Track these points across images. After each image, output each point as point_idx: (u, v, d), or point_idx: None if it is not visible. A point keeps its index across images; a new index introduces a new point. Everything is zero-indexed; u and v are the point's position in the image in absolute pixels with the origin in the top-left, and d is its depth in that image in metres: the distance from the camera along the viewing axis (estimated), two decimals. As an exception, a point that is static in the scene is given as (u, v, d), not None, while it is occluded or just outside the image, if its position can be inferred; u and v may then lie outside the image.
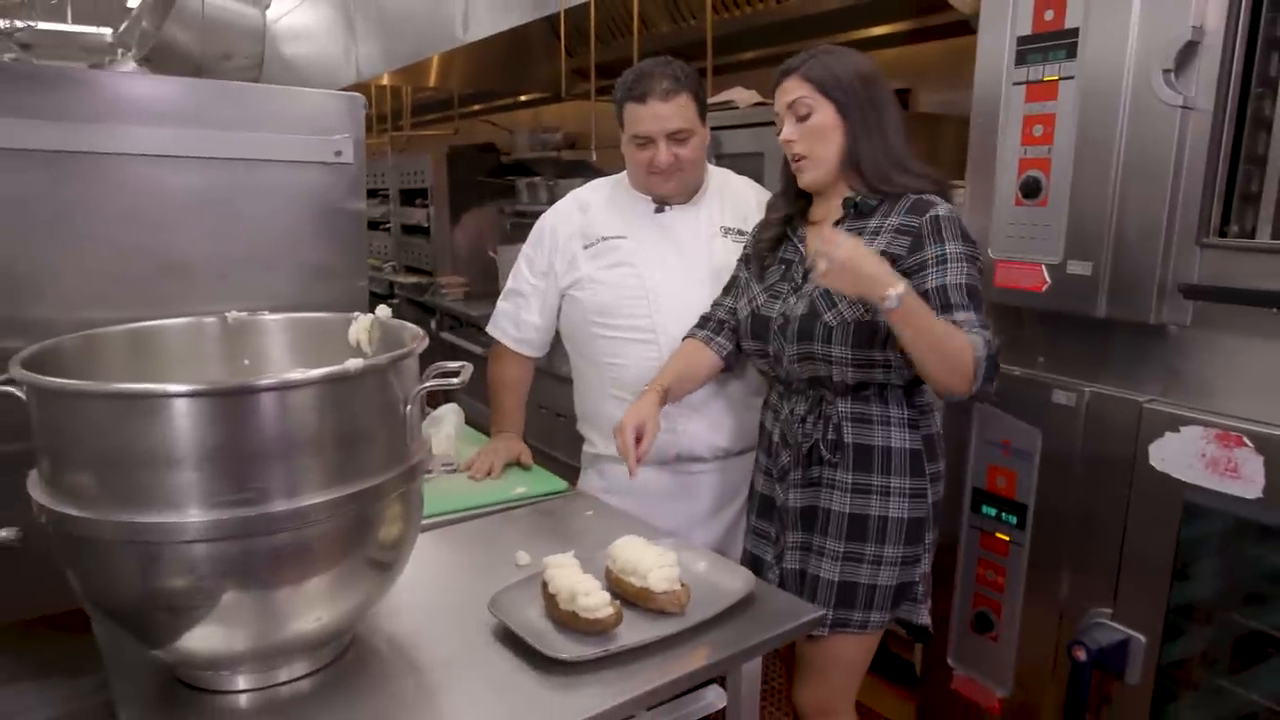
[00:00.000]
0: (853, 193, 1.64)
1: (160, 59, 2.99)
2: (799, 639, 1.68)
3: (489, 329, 2.11)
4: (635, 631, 1.26)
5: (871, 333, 1.55)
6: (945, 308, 1.49)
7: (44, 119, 1.43)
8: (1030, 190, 1.72)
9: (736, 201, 1.98)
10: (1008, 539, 1.86)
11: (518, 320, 2.04)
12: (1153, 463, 1.59)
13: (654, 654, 1.23)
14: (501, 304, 2.09)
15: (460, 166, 5.11)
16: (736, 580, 1.42)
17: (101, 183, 1.50)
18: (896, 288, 1.36)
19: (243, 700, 1.14)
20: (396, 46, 4.50)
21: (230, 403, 0.99)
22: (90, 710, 1.24)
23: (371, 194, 5.79)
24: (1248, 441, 1.45)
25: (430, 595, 1.41)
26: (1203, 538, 1.59)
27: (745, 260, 1.83)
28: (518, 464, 2.00)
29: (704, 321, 1.84)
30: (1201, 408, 1.56)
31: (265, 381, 1.03)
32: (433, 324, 4.86)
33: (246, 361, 1.42)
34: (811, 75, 1.58)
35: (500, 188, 5.05)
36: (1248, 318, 1.50)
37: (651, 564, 1.33)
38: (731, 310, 1.80)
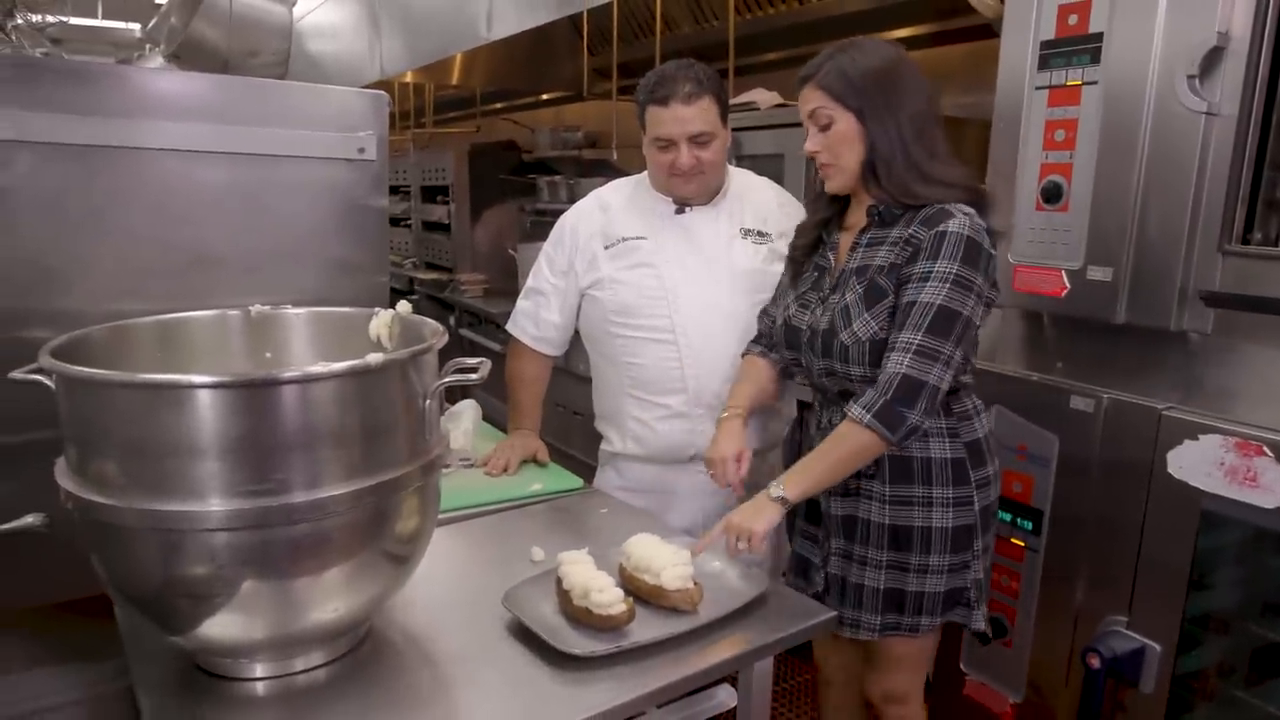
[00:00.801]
0: (875, 201, 1.59)
1: (188, 55, 3.03)
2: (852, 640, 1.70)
3: (509, 327, 2.12)
4: (648, 629, 1.27)
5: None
6: (896, 327, 1.48)
7: (75, 114, 1.46)
8: (1051, 195, 1.71)
9: (757, 203, 1.99)
10: (1023, 545, 1.86)
11: (537, 319, 2.06)
12: (1171, 470, 1.58)
13: (666, 651, 1.24)
14: (522, 302, 2.10)
15: (481, 164, 5.13)
16: (749, 580, 1.42)
17: (130, 177, 1.53)
18: (773, 492, 1.50)
19: (260, 688, 1.16)
20: (420, 44, 4.53)
21: (253, 394, 1.01)
22: (112, 695, 1.26)
23: (393, 190, 5.82)
24: (1268, 451, 1.44)
25: (445, 589, 1.43)
26: (1221, 547, 1.58)
27: (788, 264, 1.82)
28: (534, 461, 2.01)
29: (758, 337, 1.85)
30: (1221, 416, 1.55)
31: (288, 374, 1.05)
32: (452, 321, 4.89)
33: (269, 354, 1.44)
34: (827, 84, 1.53)
35: (521, 186, 5.07)
36: (1270, 326, 1.49)
37: (665, 562, 1.34)
38: (774, 320, 1.80)
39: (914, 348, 1.45)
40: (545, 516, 1.76)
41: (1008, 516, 1.87)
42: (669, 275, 1.90)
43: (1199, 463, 1.54)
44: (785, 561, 2.08)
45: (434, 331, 1.24)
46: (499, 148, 5.38)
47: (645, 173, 2.02)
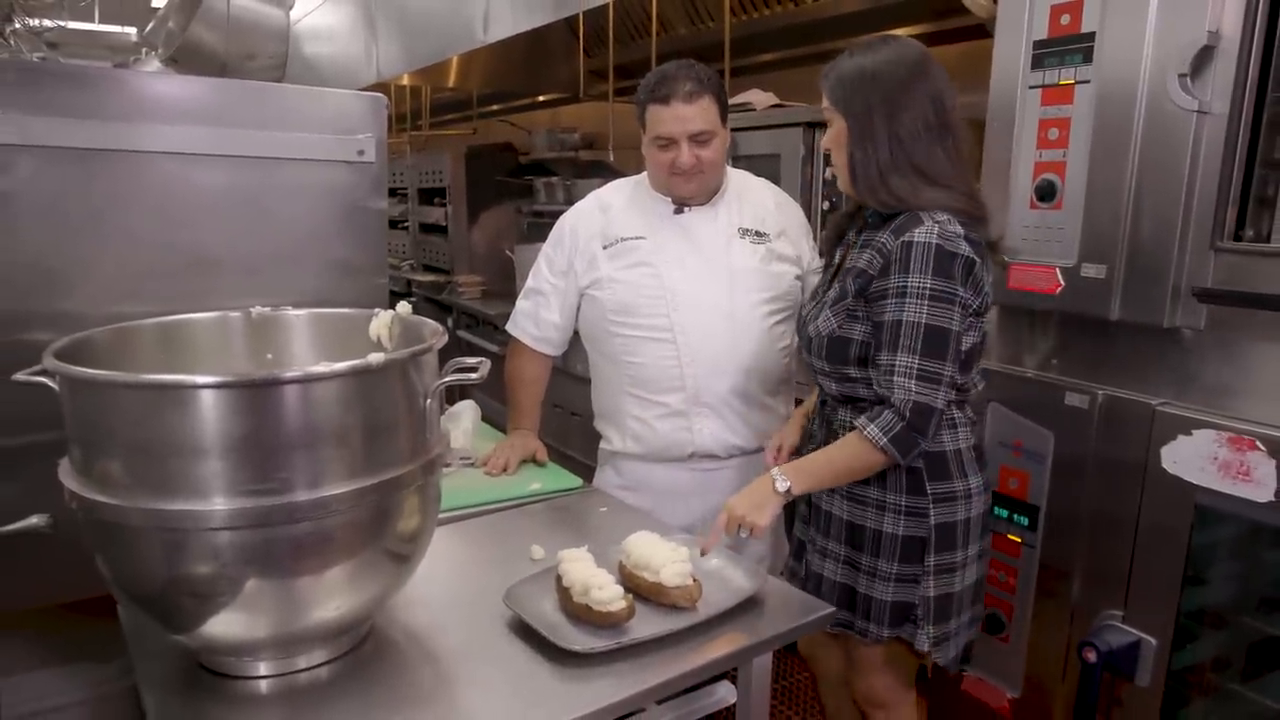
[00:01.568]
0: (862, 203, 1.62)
1: (185, 58, 3.03)
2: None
3: (508, 327, 2.13)
4: (647, 625, 1.28)
5: (845, 350, 1.56)
6: (883, 346, 1.49)
7: (75, 117, 1.47)
8: (1045, 194, 1.73)
9: (755, 203, 2.00)
10: (1019, 540, 1.87)
11: (537, 319, 2.07)
12: (1165, 465, 1.59)
13: (665, 647, 1.25)
14: (521, 302, 2.11)
15: (478, 166, 5.14)
16: (748, 577, 1.43)
17: (130, 180, 1.54)
18: (779, 483, 1.53)
19: (263, 686, 1.17)
20: (417, 47, 4.54)
21: (256, 394, 1.02)
22: (116, 695, 1.27)
23: (390, 193, 5.82)
24: (1260, 445, 1.45)
25: (446, 587, 1.44)
26: (1215, 541, 1.59)
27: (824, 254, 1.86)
28: (533, 461, 2.02)
29: None
30: (1214, 411, 1.56)
31: (290, 374, 1.06)
32: (450, 322, 4.90)
33: (270, 355, 1.45)
34: (827, 85, 1.58)
35: (518, 187, 5.08)
36: (1262, 322, 1.50)
37: (664, 559, 1.35)
38: None
39: (916, 372, 1.45)
40: (545, 515, 1.77)
41: (1004, 513, 1.89)
42: (668, 274, 1.91)
43: (1193, 458, 1.55)
44: (784, 560, 2.09)
45: (434, 331, 1.25)
46: (496, 150, 5.39)
47: (644, 173, 2.03)
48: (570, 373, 3.23)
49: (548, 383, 2.16)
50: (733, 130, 1.99)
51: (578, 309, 2.05)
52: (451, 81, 4.94)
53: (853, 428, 1.53)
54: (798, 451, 1.77)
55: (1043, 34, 1.72)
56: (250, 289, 1.62)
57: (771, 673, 1.41)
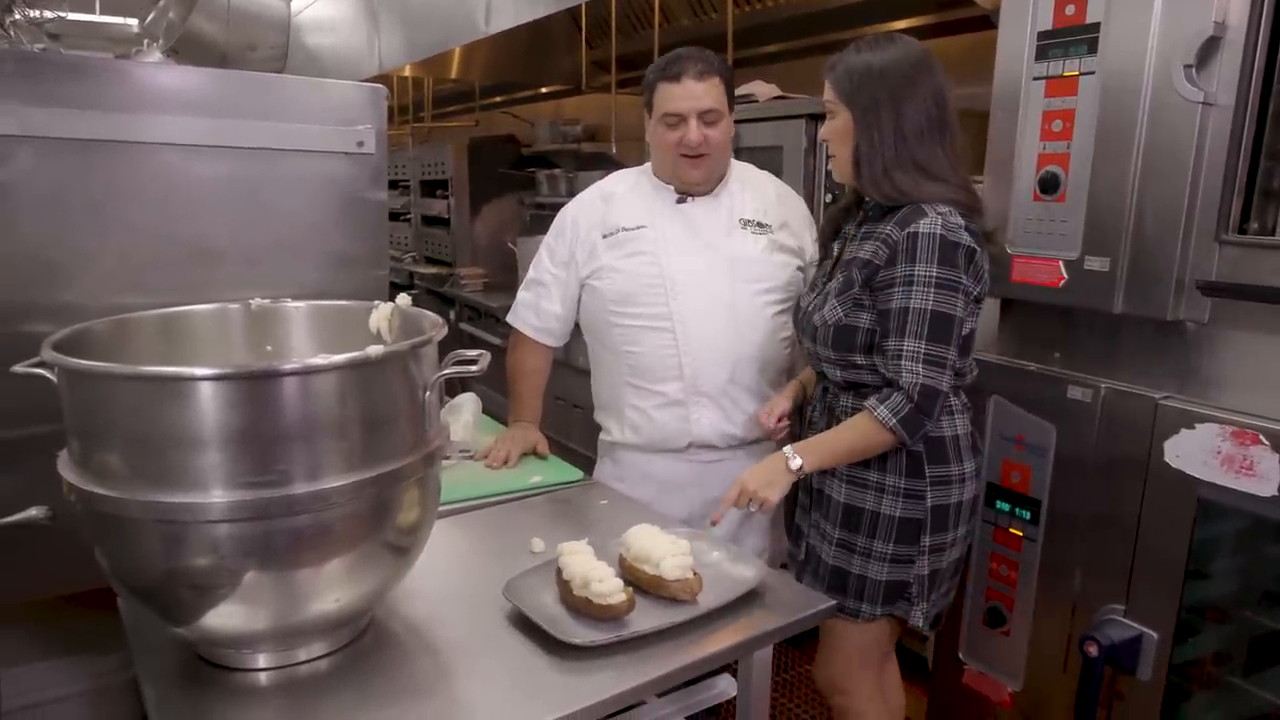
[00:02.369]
0: (864, 196, 1.65)
1: (186, 49, 3.02)
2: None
3: (509, 318, 2.13)
4: (647, 618, 1.27)
5: (851, 338, 1.60)
6: (890, 333, 1.54)
7: (75, 108, 1.46)
8: (1048, 186, 1.72)
9: (757, 195, 2.00)
10: (1021, 534, 1.86)
11: (538, 309, 2.06)
12: (1168, 459, 1.58)
13: (666, 640, 1.25)
14: (522, 293, 2.11)
15: (481, 158, 5.13)
16: (749, 570, 1.43)
17: (131, 171, 1.53)
18: (791, 461, 1.58)
19: (263, 678, 1.17)
20: (419, 38, 4.53)
21: (255, 386, 1.02)
22: (116, 687, 1.28)
23: (392, 185, 5.82)
24: (1264, 439, 1.45)
25: (446, 580, 1.44)
26: (1218, 535, 1.58)
27: (820, 249, 1.90)
28: (534, 453, 2.02)
29: None
30: (1218, 405, 1.55)
31: (289, 366, 1.06)
32: (452, 315, 4.89)
33: (269, 347, 1.45)
34: (833, 78, 1.60)
35: (520, 180, 5.07)
36: (1266, 315, 1.49)
37: (664, 552, 1.35)
38: None
39: (922, 356, 1.51)
40: (545, 508, 1.77)
41: (1006, 506, 1.88)
42: (668, 263, 1.91)
43: (1196, 452, 1.54)
44: (784, 553, 2.10)
45: (434, 324, 1.25)
46: (498, 141, 5.38)
47: (648, 164, 2.03)
48: (572, 365, 3.23)
49: (549, 375, 2.16)
50: (735, 122, 1.98)
51: (579, 300, 2.05)
52: (453, 73, 4.93)
53: (855, 413, 1.60)
54: (795, 437, 1.78)
55: (1047, 25, 1.70)
56: (250, 280, 1.62)
57: (772, 666, 1.41)
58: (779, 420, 1.81)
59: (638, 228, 1.95)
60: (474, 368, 1.18)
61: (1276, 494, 1.44)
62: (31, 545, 1.29)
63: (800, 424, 1.89)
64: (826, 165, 2.63)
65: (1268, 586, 1.59)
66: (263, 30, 3.10)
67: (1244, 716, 1.61)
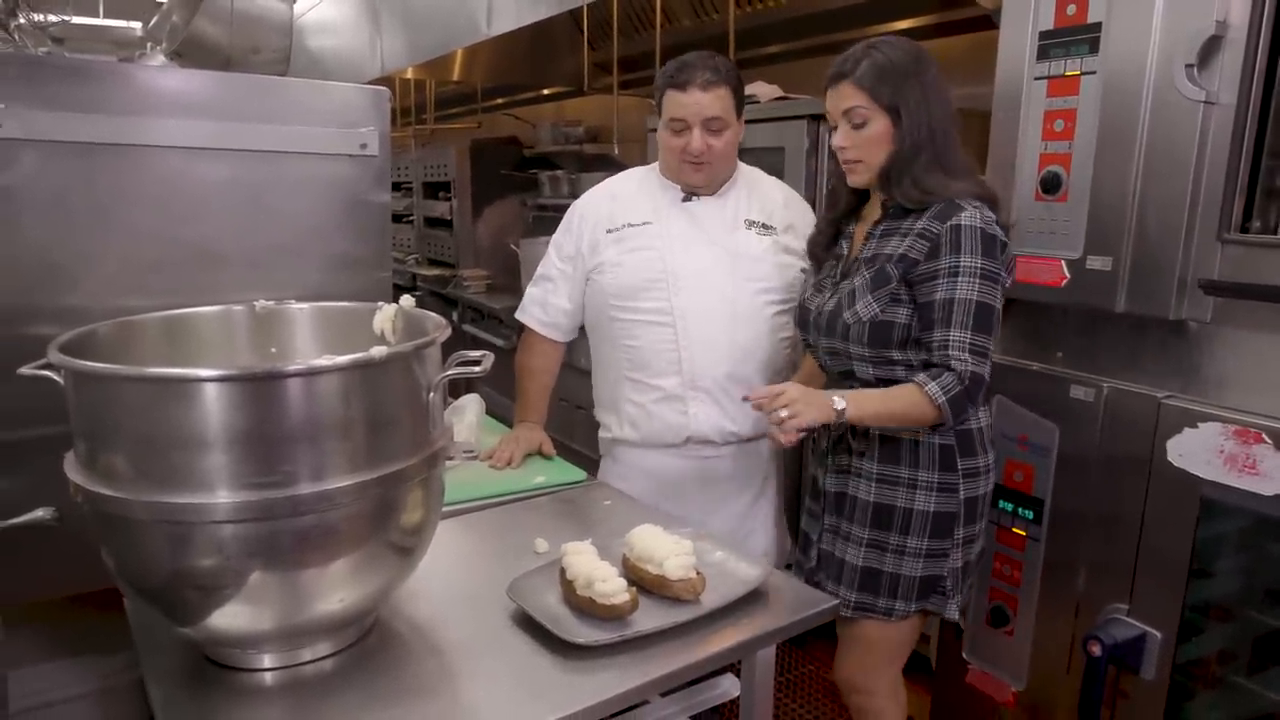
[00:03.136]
0: (891, 197, 1.63)
1: (189, 52, 3.03)
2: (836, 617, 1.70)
3: (518, 315, 2.15)
4: (651, 618, 1.28)
5: (888, 333, 1.58)
6: (935, 323, 1.53)
7: (79, 111, 1.47)
8: (1050, 185, 1.72)
9: (763, 197, 2.02)
10: (1024, 534, 1.87)
11: (546, 304, 2.08)
12: (1170, 458, 1.59)
13: (669, 640, 1.25)
14: (530, 290, 2.13)
15: (483, 160, 5.14)
16: (752, 569, 1.43)
17: (135, 174, 1.54)
18: (836, 401, 1.52)
19: (268, 678, 1.18)
20: (421, 40, 4.53)
21: (260, 387, 1.02)
22: (123, 687, 1.28)
23: (395, 187, 5.83)
24: (1266, 438, 1.45)
25: (450, 581, 1.44)
26: (1221, 534, 1.58)
27: (809, 258, 1.88)
28: (539, 454, 2.02)
29: None
30: (1220, 404, 1.55)
31: (294, 367, 1.07)
32: (455, 316, 4.90)
33: (274, 349, 1.45)
34: (864, 82, 1.56)
35: (523, 181, 5.07)
36: (1269, 314, 1.49)
37: (668, 552, 1.35)
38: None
39: (969, 346, 1.51)
40: (549, 508, 1.77)
41: (1009, 506, 1.88)
42: (671, 258, 1.93)
43: (1198, 450, 1.54)
44: (787, 555, 2.10)
45: (437, 325, 1.25)
46: (500, 143, 5.39)
47: (655, 163, 2.04)
48: (575, 366, 3.24)
49: (556, 375, 2.17)
50: (737, 122, 1.98)
51: (585, 295, 2.06)
52: (455, 75, 4.94)
53: None
54: (804, 445, 1.77)
55: (1049, 24, 1.71)
56: (254, 283, 1.62)
57: (775, 665, 1.41)
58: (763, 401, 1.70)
59: (643, 223, 1.97)
60: (477, 368, 1.18)
61: (1279, 493, 1.44)
62: (38, 546, 1.29)
63: (826, 436, 1.86)
64: (828, 166, 2.63)
65: (1271, 585, 1.59)
66: (266, 33, 3.11)
67: (1248, 715, 1.61)
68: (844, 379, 1.69)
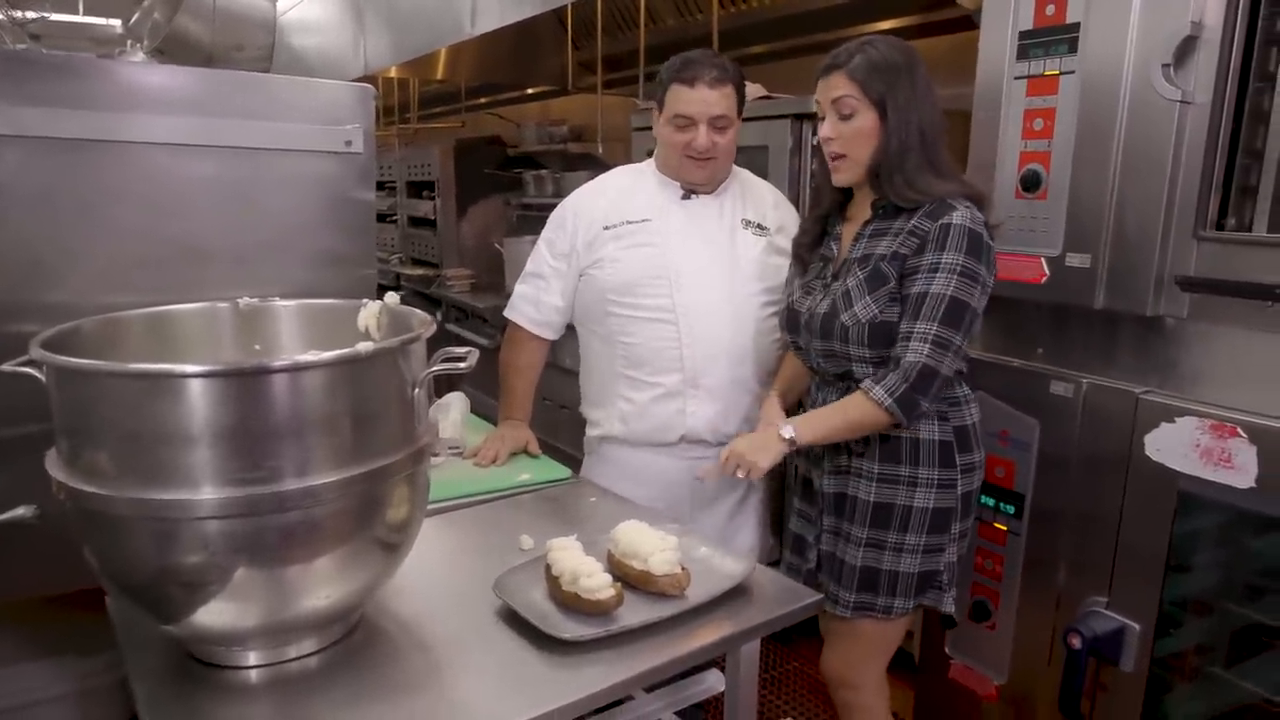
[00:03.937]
0: (879, 196, 1.64)
1: (171, 49, 3.02)
2: (824, 614, 1.74)
3: (507, 313, 2.13)
4: (636, 613, 1.28)
5: (888, 333, 1.58)
6: (906, 316, 1.55)
7: (64, 108, 1.46)
8: (1030, 184, 1.74)
9: (756, 198, 2.03)
10: (1005, 529, 1.88)
11: (538, 302, 2.06)
12: (1148, 453, 1.61)
13: (654, 635, 1.26)
14: (520, 287, 2.11)
15: (467, 159, 5.13)
16: (736, 564, 1.44)
17: (118, 170, 1.53)
18: (784, 432, 1.60)
19: (253, 676, 1.17)
20: (405, 39, 4.52)
21: (245, 383, 1.02)
22: (104, 688, 1.27)
23: (379, 186, 5.80)
24: (1241, 432, 1.47)
25: (436, 577, 1.44)
26: (1198, 529, 1.61)
27: (793, 258, 1.87)
28: (524, 452, 2.02)
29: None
30: (1197, 398, 1.58)
31: (279, 363, 1.07)
32: (439, 316, 4.89)
33: (258, 346, 1.45)
34: (857, 74, 1.56)
35: (507, 180, 5.07)
36: (1244, 310, 1.51)
37: (653, 548, 1.35)
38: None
39: (931, 338, 1.52)
40: (534, 506, 1.77)
41: (990, 501, 1.90)
42: (673, 256, 1.93)
43: (1175, 445, 1.57)
44: (771, 551, 2.11)
45: (422, 321, 1.25)
46: (484, 143, 5.38)
47: (648, 161, 2.04)
48: (559, 365, 3.24)
49: (541, 373, 2.16)
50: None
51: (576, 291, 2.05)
52: (439, 74, 4.93)
53: None
54: (811, 448, 1.74)
55: (1028, 24, 1.73)
56: (238, 279, 1.62)
57: (760, 661, 1.42)
58: (714, 472, 1.72)
59: (642, 220, 1.96)
60: (463, 364, 1.18)
61: (1254, 486, 1.46)
62: (18, 545, 1.29)
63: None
64: (812, 165, 2.64)
65: (1248, 579, 1.61)
66: (249, 30, 3.10)
67: (1225, 707, 1.63)
68: (841, 380, 1.69)
